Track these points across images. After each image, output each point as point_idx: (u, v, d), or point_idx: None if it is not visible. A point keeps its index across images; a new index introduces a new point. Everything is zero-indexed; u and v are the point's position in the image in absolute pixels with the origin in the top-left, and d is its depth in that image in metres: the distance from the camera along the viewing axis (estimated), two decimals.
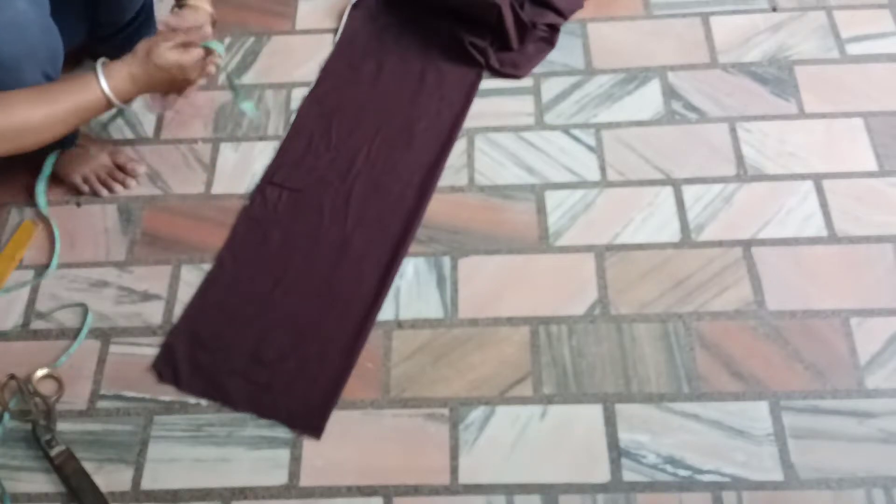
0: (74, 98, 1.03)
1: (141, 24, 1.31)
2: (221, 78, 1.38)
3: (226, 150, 1.30)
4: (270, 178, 1.25)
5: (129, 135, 1.33)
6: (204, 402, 1.07)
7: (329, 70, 1.37)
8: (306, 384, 1.07)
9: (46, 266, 1.19)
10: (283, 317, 1.13)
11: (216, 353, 1.10)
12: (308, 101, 1.34)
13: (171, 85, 1.11)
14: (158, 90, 1.11)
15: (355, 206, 1.22)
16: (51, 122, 1.01)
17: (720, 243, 1.15)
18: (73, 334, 1.13)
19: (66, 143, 1.18)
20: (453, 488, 0.99)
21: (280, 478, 1.01)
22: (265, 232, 1.20)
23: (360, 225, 1.20)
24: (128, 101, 1.07)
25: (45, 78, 1.07)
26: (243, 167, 1.28)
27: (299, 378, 1.08)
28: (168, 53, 1.07)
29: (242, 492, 1.01)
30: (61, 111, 1.01)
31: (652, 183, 1.22)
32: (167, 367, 1.09)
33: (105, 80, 1.04)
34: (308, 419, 1.05)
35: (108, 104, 1.05)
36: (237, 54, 1.41)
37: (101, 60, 1.06)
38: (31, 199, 1.25)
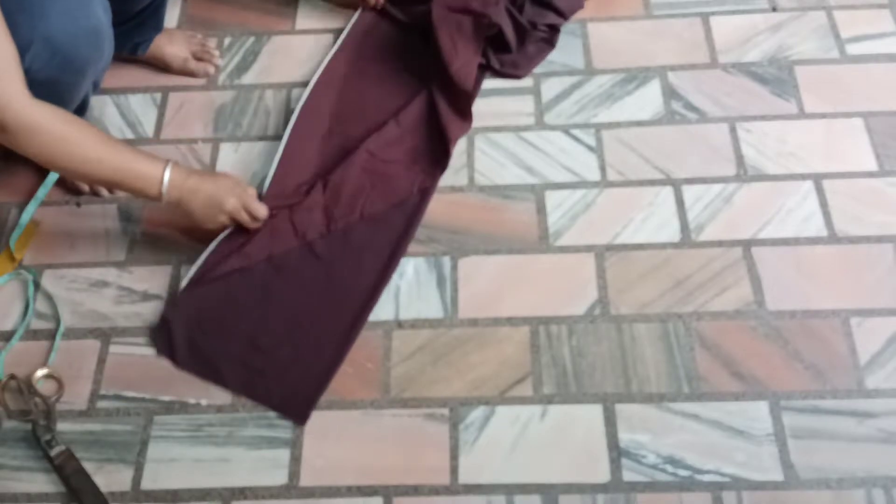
0: (135, 171, 1.06)
1: (146, 20, 1.31)
2: (221, 79, 1.38)
3: (226, 150, 1.30)
4: (272, 179, 1.25)
5: (130, 135, 1.32)
6: (204, 401, 1.07)
7: (329, 70, 1.37)
8: (299, 372, 1.07)
9: (48, 265, 1.19)
10: (282, 304, 1.13)
11: (214, 335, 1.10)
12: (308, 101, 1.33)
13: (205, 213, 1.11)
14: (194, 210, 1.11)
15: (356, 205, 1.21)
16: (98, 170, 1.04)
17: (720, 243, 1.15)
18: (73, 334, 1.13)
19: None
20: (453, 488, 0.99)
21: (280, 478, 1.01)
22: (265, 227, 1.19)
23: (361, 220, 1.20)
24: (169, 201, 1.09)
25: (92, 85, 1.12)
26: (243, 167, 1.28)
27: (293, 366, 1.08)
28: (231, 200, 1.10)
29: (242, 492, 1.01)
30: (114, 168, 1.05)
31: (652, 183, 1.22)
32: (163, 341, 1.10)
33: (168, 179, 1.06)
34: (296, 406, 1.05)
35: (157, 195, 1.07)
36: (237, 54, 1.41)
37: (170, 163, 1.08)
38: (30, 200, 1.25)
